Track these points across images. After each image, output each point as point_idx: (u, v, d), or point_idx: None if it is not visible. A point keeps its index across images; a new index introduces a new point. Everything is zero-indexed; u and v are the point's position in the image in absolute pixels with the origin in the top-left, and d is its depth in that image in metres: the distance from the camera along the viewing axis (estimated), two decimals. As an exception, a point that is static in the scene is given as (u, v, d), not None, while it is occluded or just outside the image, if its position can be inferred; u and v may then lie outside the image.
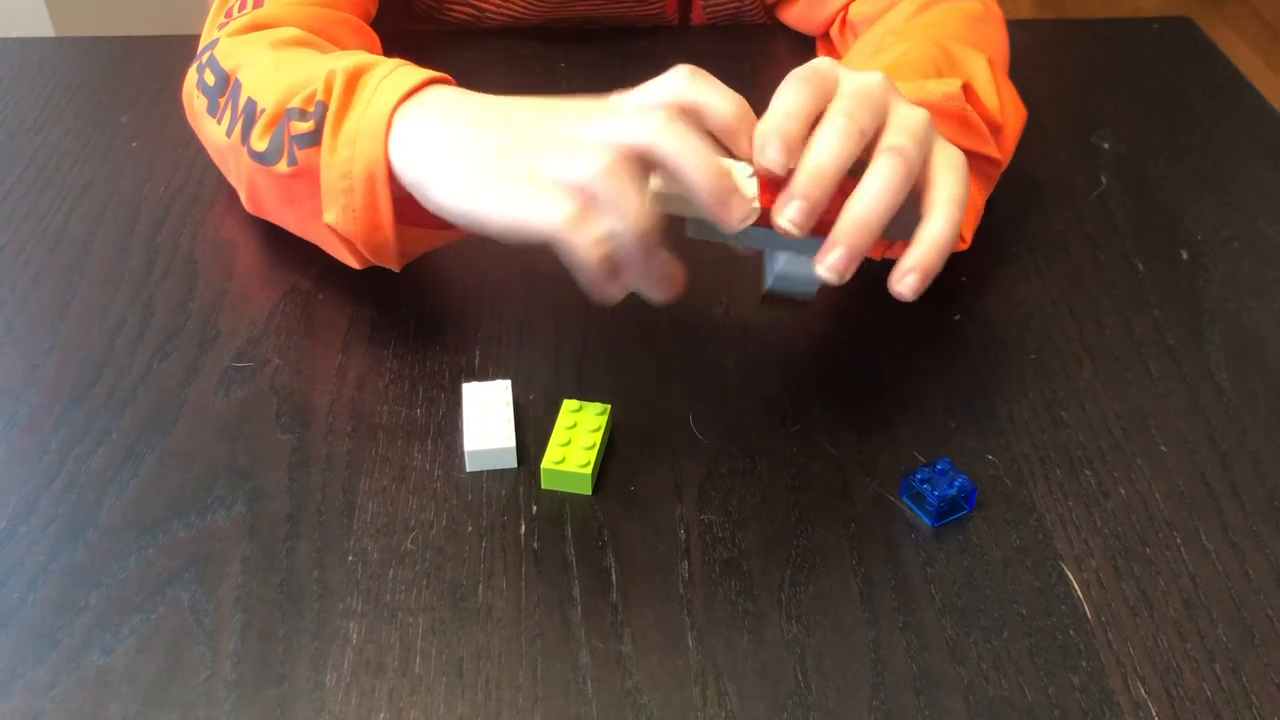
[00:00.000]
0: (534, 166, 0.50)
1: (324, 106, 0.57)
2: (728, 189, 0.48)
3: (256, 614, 0.49)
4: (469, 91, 0.56)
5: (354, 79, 0.57)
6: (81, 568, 0.51)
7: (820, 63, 0.52)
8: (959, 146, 0.59)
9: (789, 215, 0.49)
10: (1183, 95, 0.85)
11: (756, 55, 0.88)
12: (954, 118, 0.61)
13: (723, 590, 0.50)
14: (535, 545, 0.52)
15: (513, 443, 0.55)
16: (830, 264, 0.49)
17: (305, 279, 0.66)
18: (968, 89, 0.61)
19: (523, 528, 0.53)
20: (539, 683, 0.47)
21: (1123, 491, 0.55)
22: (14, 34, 0.92)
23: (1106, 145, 0.79)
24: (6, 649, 0.47)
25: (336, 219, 0.57)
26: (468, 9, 0.87)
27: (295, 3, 0.70)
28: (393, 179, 0.55)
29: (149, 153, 0.76)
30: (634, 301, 0.55)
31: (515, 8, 0.86)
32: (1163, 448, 0.57)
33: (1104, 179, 0.75)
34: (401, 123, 0.55)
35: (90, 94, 0.83)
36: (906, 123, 0.51)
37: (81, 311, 0.64)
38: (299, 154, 0.58)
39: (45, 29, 1.73)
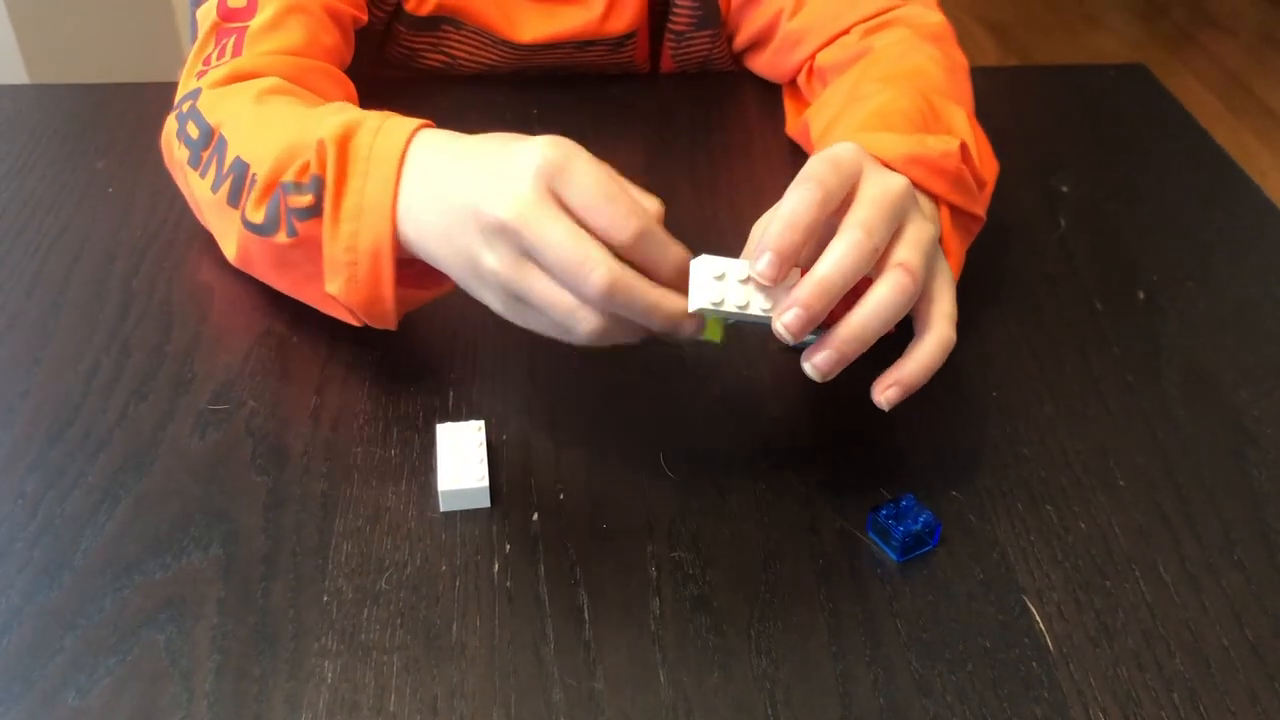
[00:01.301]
0: (503, 283, 0.52)
1: (320, 180, 0.58)
2: (675, 320, 0.52)
3: (232, 654, 0.49)
4: (445, 148, 0.57)
5: (344, 146, 0.58)
6: (57, 610, 0.51)
7: (843, 155, 0.53)
8: (950, 202, 0.62)
9: (786, 320, 0.50)
10: (1139, 139, 0.87)
11: (725, 102, 0.90)
12: (948, 175, 0.62)
13: (693, 626, 0.51)
14: (508, 584, 0.53)
15: (486, 483, 0.56)
16: (817, 363, 0.51)
17: (280, 322, 0.67)
18: (964, 148, 0.63)
19: (496, 567, 0.53)
20: None
21: (1083, 525, 0.56)
22: (-10, 81, 0.93)
23: (1065, 188, 0.81)
24: (-19, 692, 0.48)
25: (340, 289, 0.59)
26: (441, 57, 0.88)
27: (274, 52, 0.71)
28: (397, 248, 0.57)
29: (124, 198, 0.77)
30: (605, 343, 0.56)
31: (488, 57, 0.87)
32: (1121, 483, 0.58)
33: (1063, 221, 0.77)
34: (405, 201, 0.56)
35: (65, 140, 0.83)
36: (919, 238, 0.52)
37: (57, 355, 0.64)
38: (299, 226, 0.59)
39: (20, 76, 1.74)
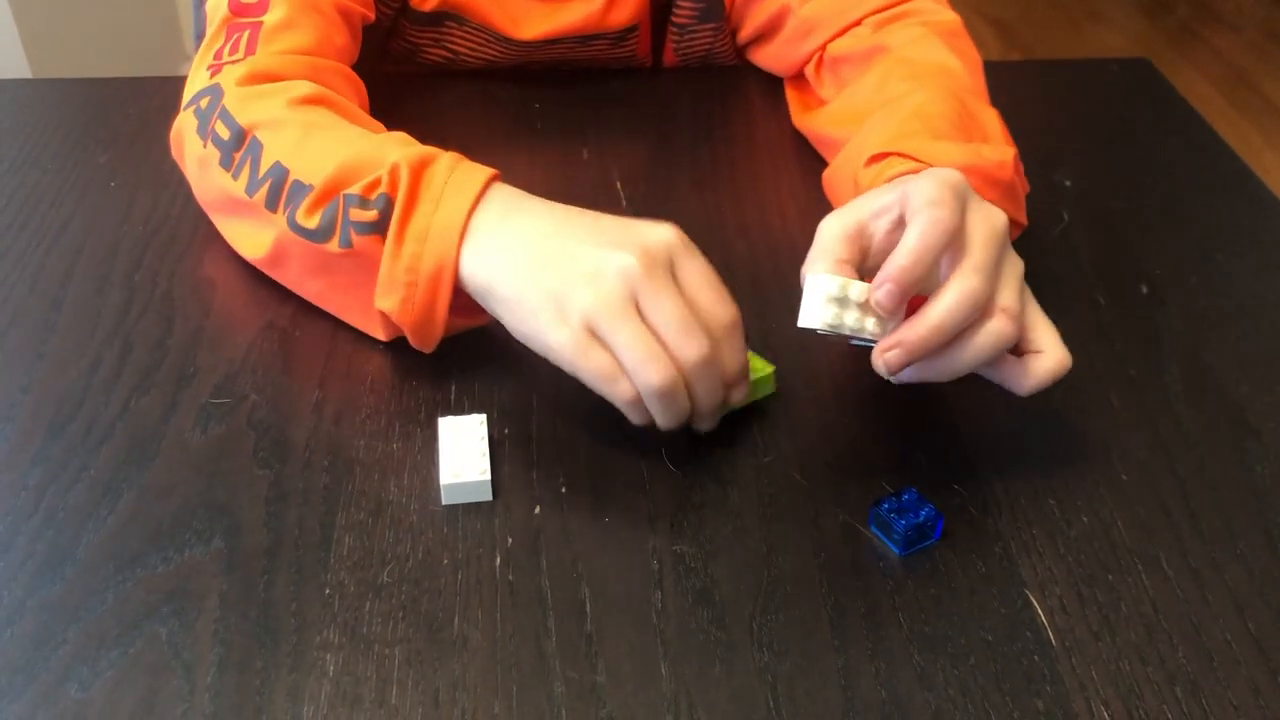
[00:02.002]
0: (589, 321, 0.54)
1: (388, 199, 0.59)
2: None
3: (234, 647, 0.49)
4: (525, 198, 0.59)
5: (418, 173, 0.59)
6: (59, 602, 0.51)
7: (958, 184, 0.54)
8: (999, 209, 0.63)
9: (888, 358, 0.52)
10: (1142, 134, 0.87)
11: (727, 96, 0.90)
12: (1001, 185, 0.63)
13: (695, 620, 0.51)
14: (510, 577, 0.53)
15: (488, 476, 0.56)
16: (901, 379, 0.54)
17: (282, 316, 0.67)
18: (1016, 158, 0.64)
19: (498, 560, 0.53)
20: (514, 713, 0.47)
21: (1085, 520, 0.56)
22: (-8, 76, 0.93)
23: (1068, 182, 0.81)
24: (-16, 684, 0.48)
25: (393, 308, 0.59)
26: (443, 52, 0.88)
27: (289, 52, 0.71)
28: (456, 280, 0.58)
29: (127, 192, 0.77)
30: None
31: (489, 52, 0.87)
32: (1124, 476, 0.58)
33: (1066, 215, 0.77)
34: (476, 234, 0.58)
35: (68, 135, 0.83)
36: (1017, 275, 0.55)
37: (59, 349, 0.64)
38: (356, 238, 0.60)
39: (22, 70, 1.74)
